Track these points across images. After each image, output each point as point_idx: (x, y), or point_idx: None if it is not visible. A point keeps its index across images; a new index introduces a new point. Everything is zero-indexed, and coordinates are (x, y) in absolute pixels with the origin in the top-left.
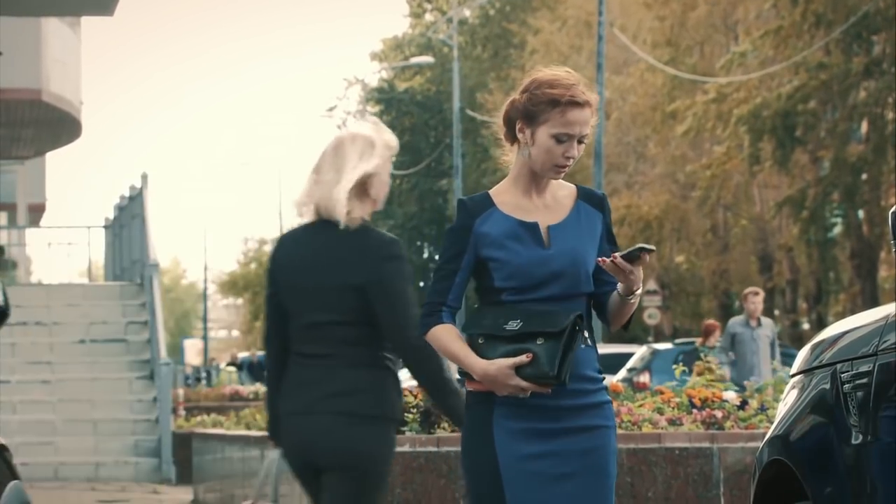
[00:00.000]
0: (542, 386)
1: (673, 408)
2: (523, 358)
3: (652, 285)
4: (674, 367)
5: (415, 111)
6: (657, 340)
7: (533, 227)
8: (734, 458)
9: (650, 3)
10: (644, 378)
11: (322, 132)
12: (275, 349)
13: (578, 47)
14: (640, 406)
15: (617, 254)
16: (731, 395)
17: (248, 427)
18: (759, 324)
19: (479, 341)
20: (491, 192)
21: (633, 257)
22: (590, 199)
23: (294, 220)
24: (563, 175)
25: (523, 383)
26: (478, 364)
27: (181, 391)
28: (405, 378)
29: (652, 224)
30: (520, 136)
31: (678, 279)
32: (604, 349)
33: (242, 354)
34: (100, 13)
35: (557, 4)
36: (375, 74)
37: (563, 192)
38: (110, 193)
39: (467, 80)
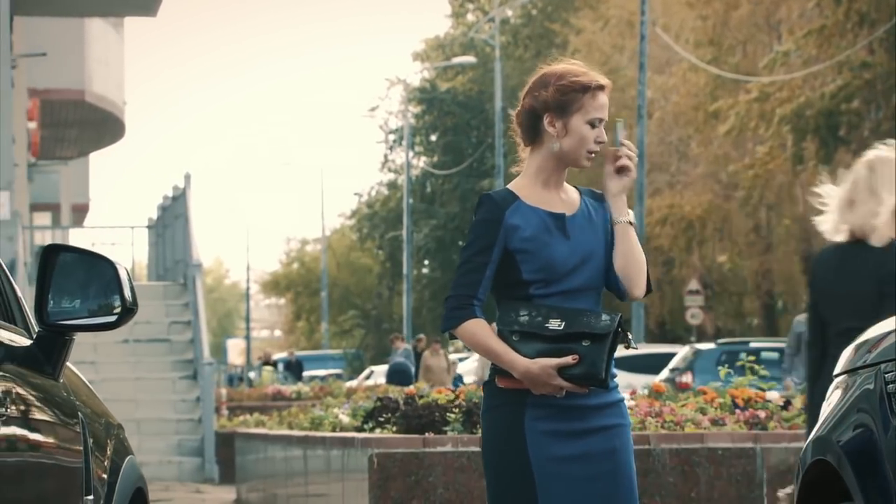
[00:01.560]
0: (581, 387)
1: (716, 408)
2: (569, 359)
3: (694, 285)
4: (717, 367)
5: (457, 111)
6: (700, 340)
7: (560, 219)
8: (778, 459)
9: (693, 3)
10: (687, 378)
11: (364, 132)
12: (814, 354)
13: (621, 47)
14: (683, 406)
15: (616, 147)
16: (774, 396)
17: (290, 427)
18: None
19: (514, 338)
20: (510, 187)
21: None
22: (593, 196)
23: (336, 219)
24: (590, 163)
25: (564, 383)
26: (520, 362)
27: (224, 391)
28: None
29: (694, 224)
30: (550, 129)
31: (721, 279)
32: (646, 349)
33: (279, 354)
34: (143, 14)
35: (600, 4)
36: (417, 74)
37: (571, 189)
38: (153, 193)
39: (509, 79)
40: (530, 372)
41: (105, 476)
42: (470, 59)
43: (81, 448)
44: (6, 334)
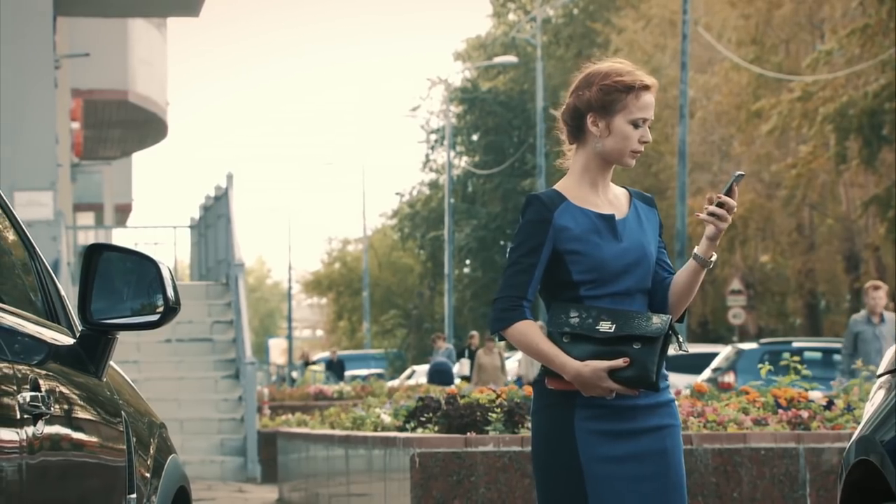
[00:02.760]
0: (631, 389)
1: (758, 408)
2: (620, 362)
3: (737, 285)
4: (759, 366)
5: (498, 111)
6: (742, 340)
7: (610, 220)
8: (821, 459)
9: (735, 2)
10: (729, 378)
11: (405, 132)
12: None
13: (662, 46)
14: (726, 406)
15: (719, 194)
16: (816, 395)
17: (332, 426)
18: (882, 320)
19: (564, 340)
20: (557, 187)
21: (731, 187)
22: (643, 199)
23: (378, 219)
24: (634, 162)
25: (615, 386)
26: (570, 365)
27: (266, 390)
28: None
29: (737, 223)
30: (593, 129)
31: (763, 279)
32: (690, 349)
33: (321, 354)
34: (185, 14)
35: (641, 3)
36: (459, 74)
37: (618, 191)
38: (196, 193)
39: (551, 79)
40: (581, 375)
41: (148, 475)
42: (511, 58)
43: (125, 447)
44: (50, 333)
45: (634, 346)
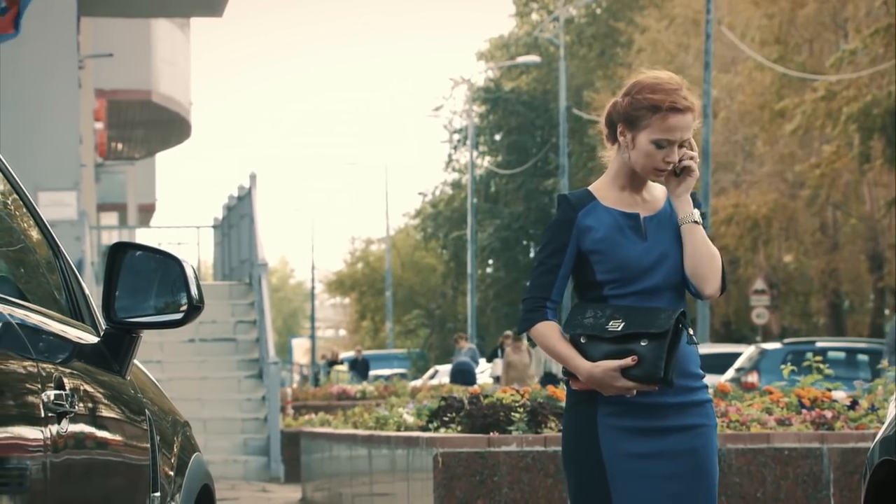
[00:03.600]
0: (647, 386)
1: (782, 408)
2: (628, 361)
3: (760, 285)
4: (782, 366)
5: (521, 111)
6: (765, 340)
7: (634, 218)
8: (844, 459)
9: (758, 1)
10: (752, 378)
11: (428, 132)
12: None
13: (686, 45)
14: (749, 406)
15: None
16: (840, 395)
17: (355, 426)
18: None
19: (582, 340)
20: (591, 187)
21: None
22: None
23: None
24: (662, 177)
25: (629, 384)
26: (583, 366)
27: (289, 390)
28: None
29: (760, 223)
30: (620, 139)
31: (787, 279)
32: (712, 349)
33: (345, 354)
34: (209, 14)
35: (665, 2)
36: (482, 74)
37: (657, 189)
38: (219, 193)
39: (574, 79)
40: (593, 376)
41: (172, 473)
42: (534, 58)
43: (148, 445)
44: (74, 332)
45: (642, 344)
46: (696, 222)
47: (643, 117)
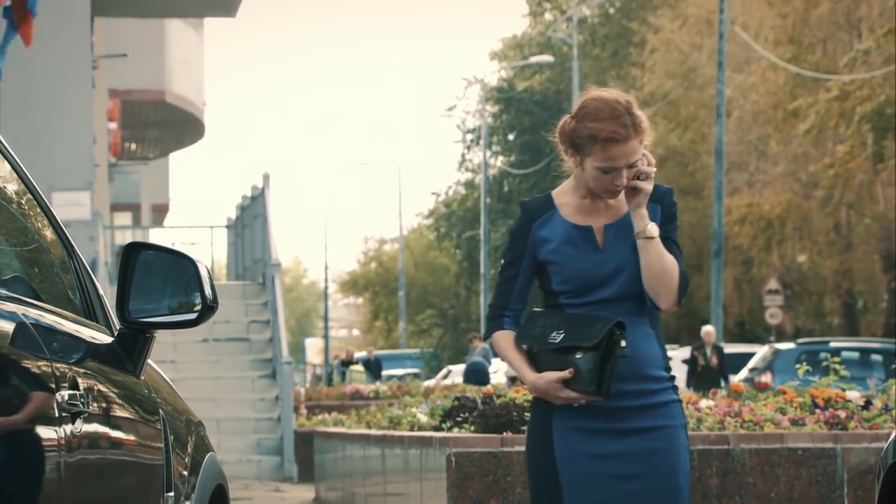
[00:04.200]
0: (591, 397)
1: (796, 408)
2: (566, 374)
3: (774, 285)
4: (796, 366)
5: (534, 110)
6: (779, 340)
7: (587, 231)
8: (858, 459)
9: (772, 1)
10: (766, 378)
11: (441, 132)
12: None
13: (699, 45)
14: (763, 406)
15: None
16: (854, 395)
17: (368, 426)
18: None
19: (533, 349)
20: (554, 192)
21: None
22: (650, 194)
23: (414, 219)
24: (616, 197)
25: (572, 394)
26: (529, 377)
27: (302, 390)
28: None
29: (773, 223)
30: (570, 160)
31: (800, 278)
32: (726, 349)
33: (358, 354)
34: (222, 14)
35: (678, 2)
36: (495, 74)
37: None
38: (233, 193)
39: (587, 79)
40: (537, 387)
41: (185, 473)
42: (547, 58)
43: (162, 445)
44: (88, 332)
45: (577, 356)
46: (649, 237)
47: (586, 145)
